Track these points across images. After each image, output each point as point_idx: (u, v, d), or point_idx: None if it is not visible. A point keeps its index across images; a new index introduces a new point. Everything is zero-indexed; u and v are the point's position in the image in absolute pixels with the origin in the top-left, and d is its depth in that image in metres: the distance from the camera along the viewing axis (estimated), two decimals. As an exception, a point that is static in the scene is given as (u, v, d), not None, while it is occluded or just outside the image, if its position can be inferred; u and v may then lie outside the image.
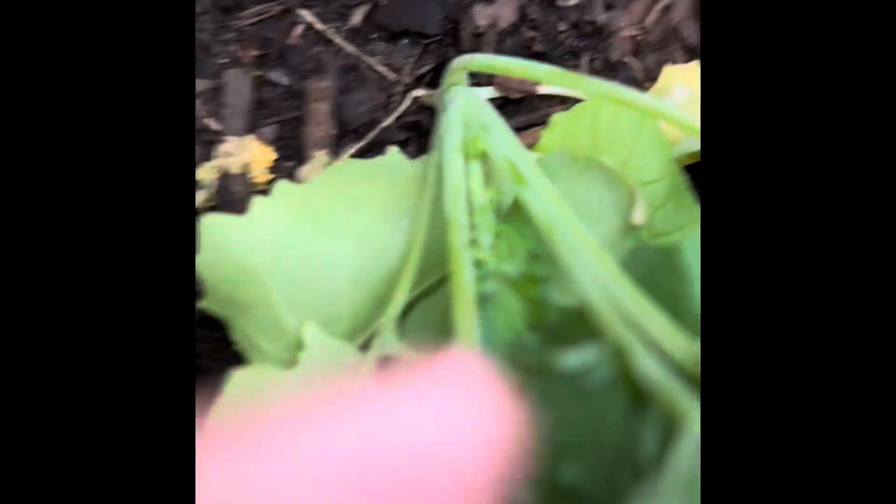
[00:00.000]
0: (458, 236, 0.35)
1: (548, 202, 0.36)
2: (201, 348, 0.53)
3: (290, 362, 0.38)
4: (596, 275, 0.33)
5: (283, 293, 0.40)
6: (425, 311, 0.43)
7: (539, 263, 0.37)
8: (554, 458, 0.29)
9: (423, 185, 0.42)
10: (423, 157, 0.43)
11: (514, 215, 0.38)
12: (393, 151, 0.43)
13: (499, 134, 0.39)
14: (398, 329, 0.40)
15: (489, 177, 0.39)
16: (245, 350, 0.42)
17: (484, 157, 0.38)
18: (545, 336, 0.35)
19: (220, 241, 0.37)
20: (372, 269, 0.42)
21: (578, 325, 0.33)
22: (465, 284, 0.32)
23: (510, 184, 0.37)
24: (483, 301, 0.35)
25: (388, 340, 0.39)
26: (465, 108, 0.40)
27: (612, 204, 0.37)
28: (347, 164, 0.42)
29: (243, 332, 0.41)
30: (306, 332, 0.38)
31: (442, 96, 0.45)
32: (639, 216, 0.38)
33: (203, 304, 0.41)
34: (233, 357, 0.42)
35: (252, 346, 0.41)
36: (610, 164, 0.39)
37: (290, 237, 0.40)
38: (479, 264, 0.35)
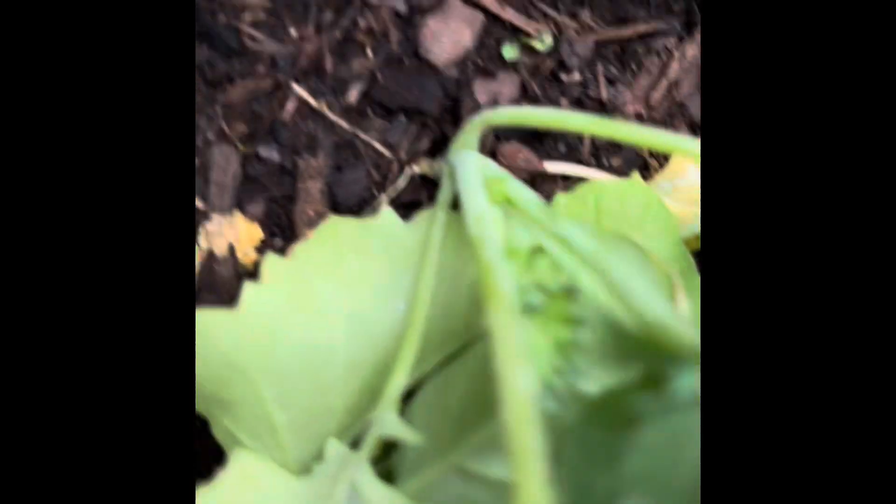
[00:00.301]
0: (495, 274, 0.31)
1: (582, 242, 0.34)
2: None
3: (305, 468, 0.36)
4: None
5: (273, 389, 0.37)
6: (429, 394, 0.40)
7: (572, 300, 0.35)
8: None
9: (421, 251, 0.40)
10: (416, 219, 0.41)
11: (542, 259, 0.36)
12: (386, 212, 0.40)
13: (518, 185, 0.37)
14: (399, 412, 0.37)
15: (512, 222, 0.36)
16: (226, 446, 0.38)
17: (507, 203, 0.36)
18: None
19: (209, 338, 0.35)
20: (366, 355, 0.39)
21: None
22: (504, 296, 0.29)
23: (538, 229, 0.35)
24: (526, 313, 0.32)
25: (388, 423, 0.36)
26: (481, 162, 0.39)
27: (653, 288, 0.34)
28: (338, 225, 0.39)
29: (226, 429, 0.38)
30: (329, 446, 0.36)
31: (449, 160, 0.43)
32: (682, 305, 0.35)
33: (183, 401, 0.37)
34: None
35: (235, 443, 0.38)
36: (641, 243, 0.36)
37: (281, 326, 0.37)
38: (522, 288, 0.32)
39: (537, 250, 0.33)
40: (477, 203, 0.35)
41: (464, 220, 0.35)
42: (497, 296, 0.28)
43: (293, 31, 0.50)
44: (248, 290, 0.36)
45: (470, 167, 0.38)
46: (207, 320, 0.35)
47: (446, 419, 0.38)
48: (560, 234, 0.33)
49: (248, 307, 0.36)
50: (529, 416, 0.24)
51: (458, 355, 0.42)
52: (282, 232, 0.51)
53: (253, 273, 0.51)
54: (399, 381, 0.36)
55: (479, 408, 0.37)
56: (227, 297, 0.50)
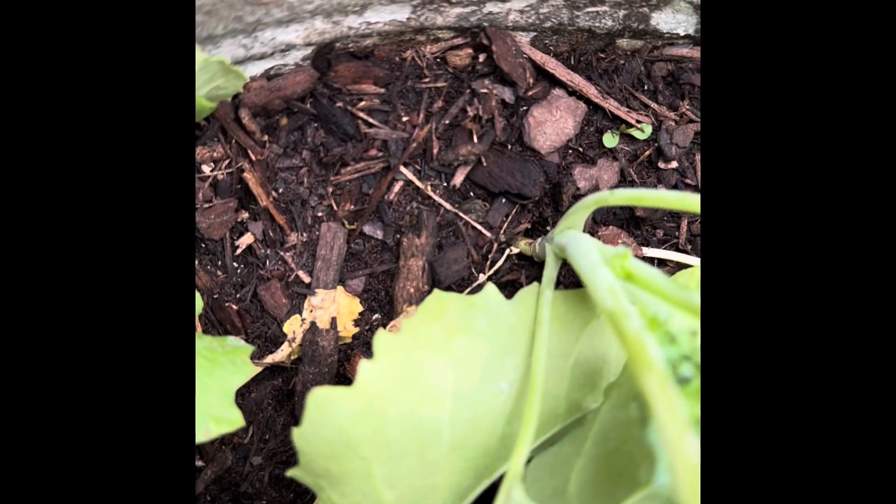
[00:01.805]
0: (631, 325, 0.31)
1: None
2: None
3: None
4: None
5: (383, 466, 0.37)
6: (540, 474, 0.40)
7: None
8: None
9: (523, 330, 0.40)
10: (518, 297, 0.41)
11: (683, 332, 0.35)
12: (491, 289, 0.40)
13: (640, 261, 0.36)
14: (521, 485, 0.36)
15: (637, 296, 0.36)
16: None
17: (628, 278, 0.36)
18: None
19: (326, 414, 0.35)
20: (470, 435, 0.39)
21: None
22: (657, 367, 0.29)
23: (666, 302, 0.34)
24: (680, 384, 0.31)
25: (516, 500, 0.35)
26: (593, 241, 0.38)
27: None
28: (443, 300, 0.39)
29: (332, 502, 0.38)
30: None
31: (554, 240, 0.43)
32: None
33: (293, 473, 0.38)
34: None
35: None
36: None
37: (392, 402, 0.37)
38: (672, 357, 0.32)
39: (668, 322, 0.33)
40: (604, 277, 0.34)
41: (593, 295, 0.34)
42: (650, 367, 0.28)
43: (405, 118, 0.52)
44: (364, 367, 0.37)
45: (586, 245, 0.38)
46: (325, 396, 0.35)
47: (561, 500, 0.37)
48: (693, 306, 0.33)
49: (363, 383, 0.36)
50: (699, 483, 0.24)
51: (563, 436, 0.42)
52: (380, 307, 0.52)
53: (351, 346, 0.52)
54: (521, 459, 0.36)
55: (601, 488, 0.36)
56: (327, 369, 0.50)
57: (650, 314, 0.31)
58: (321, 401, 0.35)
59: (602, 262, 0.36)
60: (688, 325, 0.31)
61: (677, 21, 0.51)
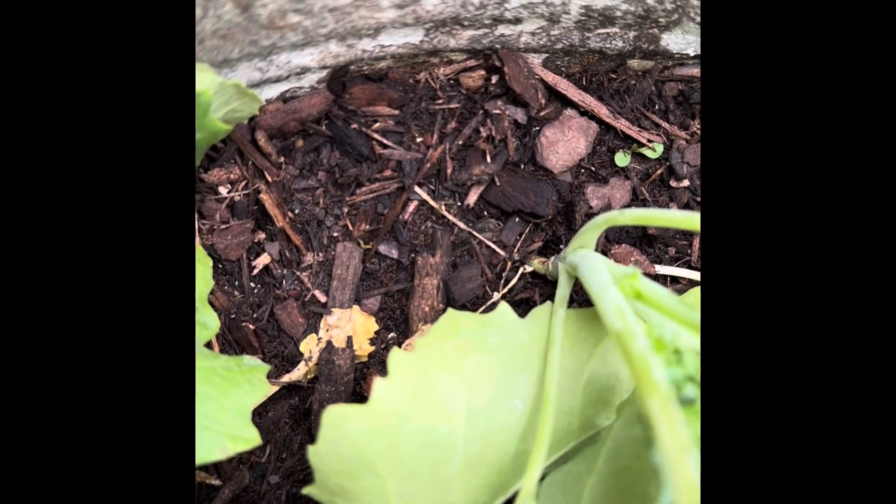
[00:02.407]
0: (637, 345, 0.31)
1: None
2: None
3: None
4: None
5: (397, 484, 0.37)
6: (553, 492, 0.40)
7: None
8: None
9: (536, 348, 0.40)
10: (531, 315, 0.41)
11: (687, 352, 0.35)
12: (504, 307, 0.41)
13: (649, 281, 0.36)
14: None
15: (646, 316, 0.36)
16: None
17: (637, 298, 0.36)
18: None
19: (341, 432, 0.35)
20: (483, 452, 0.39)
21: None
22: (661, 388, 0.29)
23: (675, 322, 0.34)
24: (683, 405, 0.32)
25: None
26: (604, 261, 0.39)
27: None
28: (457, 318, 0.39)
29: None
30: None
31: (567, 259, 0.43)
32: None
33: (308, 491, 0.38)
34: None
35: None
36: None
37: (406, 420, 0.38)
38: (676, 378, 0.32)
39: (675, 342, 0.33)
40: (613, 297, 0.34)
41: (602, 315, 0.34)
42: (654, 388, 0.28)
43: (419, 139, 0.52)
44: (378, 385, 0.37)
45: (596, 264, 0.38)
46: (340, 414, 0.35)
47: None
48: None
49: (377, 401, 0.36)
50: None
51: (576, 453, 0.42)
52: (396, 326, 0.53)
53: (367, 364, 0.52)
54: (534, 476, 0.36)
55: None
56: (343, 388, 0.50)
57: (657, 334, 0.31)
58: (336, 418, 0.35)
59: (612, 281, 0.36)
60: (694, 345, 0.31)
61: (687, 42, 0.51)
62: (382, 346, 0.52)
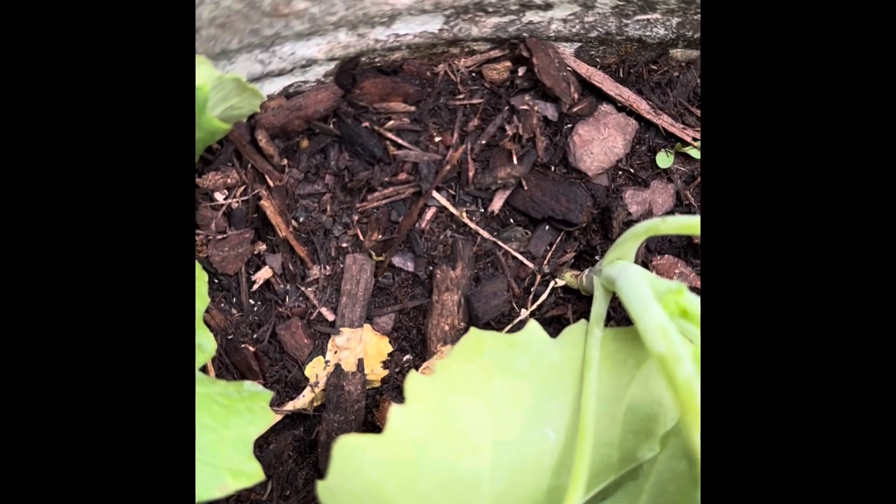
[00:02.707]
0: (682, 371, 0.31)
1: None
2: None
3: None
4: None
5: (416, 521, 0.36)
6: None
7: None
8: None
9: (571, 371, 0.39)
10: (564, 335, 0.40)
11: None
12: (533, 326, 0.39)
13: (696, 298, 0.35)
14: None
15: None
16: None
17: (683, 316, 0.35)
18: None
19: (354, 465, 0.34)
20: (513, 488, 0.37)
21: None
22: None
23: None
24: None
25: None
26: (647, 274, 0.37)
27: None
28: (481, 339, 0.38)
29: None
30: None
31: (603, 272, 0.41)
32: None
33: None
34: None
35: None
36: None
37: (426, 452, 0.36)
38: None
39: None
40: (655, 315, 0.33)
41: (642, 335, 0.33)
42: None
43: (437, 138, 0.50)
44: (395, 412, 0.35)
45: (636, 279, 0.37)
46: (353, 445, 0.34)
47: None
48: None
49: (394, 430, 0.35)
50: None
51: (616, 489, 0.40)
52: (412, 347, 0.50)
53: (380, 391, 0.49)
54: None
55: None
56: (353, 416, 0.48)
57: None
58: (348, 450, 0.34)
59: (653, 297, 0.35)
60: None
61: (743, 24, 0.49)
62: (397, 370, 0.50)
